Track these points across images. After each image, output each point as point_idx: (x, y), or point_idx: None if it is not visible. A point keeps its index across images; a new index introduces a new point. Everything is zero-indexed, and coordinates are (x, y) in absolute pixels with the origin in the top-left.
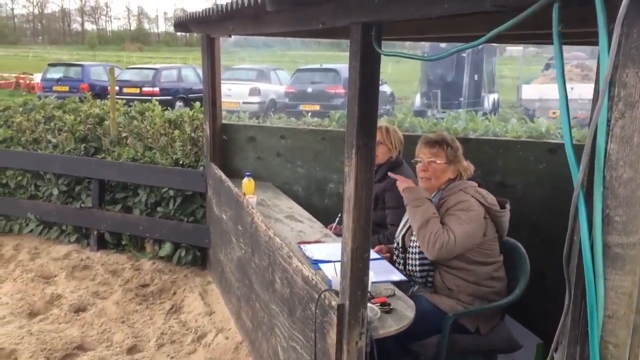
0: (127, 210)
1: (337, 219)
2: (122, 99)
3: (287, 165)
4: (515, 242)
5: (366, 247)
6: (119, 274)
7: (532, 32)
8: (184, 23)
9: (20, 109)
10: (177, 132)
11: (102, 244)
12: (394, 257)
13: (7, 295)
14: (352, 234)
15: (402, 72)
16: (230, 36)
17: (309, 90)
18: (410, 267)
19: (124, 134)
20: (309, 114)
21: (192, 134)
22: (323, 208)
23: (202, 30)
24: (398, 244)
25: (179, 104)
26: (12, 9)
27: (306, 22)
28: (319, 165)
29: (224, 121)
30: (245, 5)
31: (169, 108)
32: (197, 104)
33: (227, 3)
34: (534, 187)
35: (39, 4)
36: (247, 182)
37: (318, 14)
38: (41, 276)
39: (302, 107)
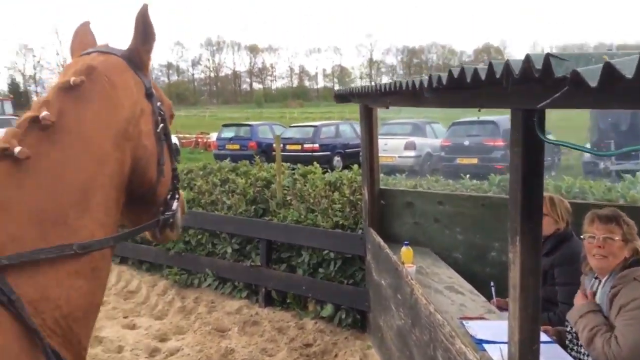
0: (291, 269)
1: (492, 288)
2: (285, 155)
3: (445, 232)
4: None
5: (535, 337)
6: (284, 331)
7: None
8: (344, 95)
9: (200, 172)
10: (336, 194)
11: (269, 301)
12: (567, 342)
13: (189, 347)
14: (519, 323)
15: (570, 119)
16: (387, 107)
17: (466, 143)
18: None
19: (288, 197)
20: (467, 175)
21: (351, 197)
22: (485, 277)
23: (361, 101)
24: (572, 328)
25: (337, 159)
26: (193, 74)
27: (463, 103)
28: (479, 232)
29: (381, 186)
30: (404, 88)
31: (328, 170)
32: (355, 166)
33: (386, 84)
34: None
35: (214, 68)
36: (406, 251)
37: (476, 98)
38: (217, 329)
39: (459, 161)
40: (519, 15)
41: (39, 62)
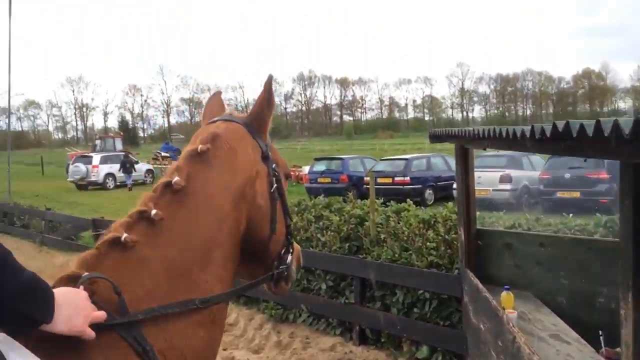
0: (385, 308)
1: (601, 337)
2: (376, 188)
3: (548, 275)
4: None
5: None
6: None
7: None
8: (439, 136)
9: (296, 209)
10: (431, 232)
11: (363, 339)
12: None
13: None
14: None
15: None
16: (485, 149)
17: (567, 175)
18: None
19: (382, 235)
20: (571, 214)
21: (446, 236)
22: (592, 325)
23: (457, 142)
24: None
25: (428, 192)
26: (285, 108)
27: (568, 153)
28: (585, 277)
29: (478, 226)
30: (504, 136)
31: (422, 207)
32: (450, 204)
33: (485, 131)
34: None
35: (306, 102)
36: (506, 297)
37: (582, 149)
38: None
39: (559, 195)
40: (618, 36)
41: (145, 100)
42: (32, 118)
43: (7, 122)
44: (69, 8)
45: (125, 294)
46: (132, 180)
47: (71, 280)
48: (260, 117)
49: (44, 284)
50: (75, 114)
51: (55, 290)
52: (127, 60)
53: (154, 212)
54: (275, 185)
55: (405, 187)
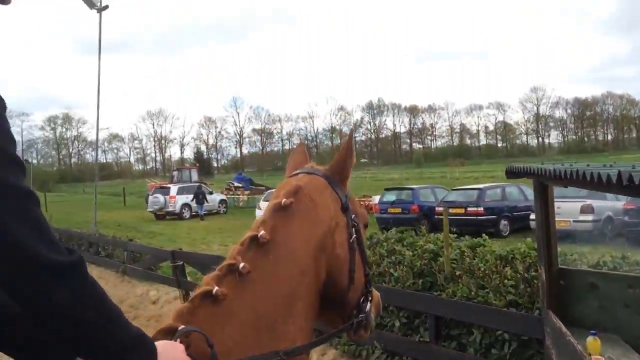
0: (461, 348)
1: None
2: (448, 219)
3: (637, 318)
4: None
5: None
6: None
7: None
8: (516, 172)
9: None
10: (508, 269)
11: None
12: None
13: None
14: None
15: None
16: (566, 186)
17: None
18: None
19: (457, 271)
20: None
21: (525, 274)
22: None
23: (536, 178)
24: None
25: (504, 222)
26: (355, 137)
27: None
28: None
29: (560, 265)
30: (588, 180)
31: (497, 239)
32: (529, 239)
33: (565, 170)
34: None
35: (375, 130)
36: (592, 342)
37: None
38: None
39: None
40: None
41: (219, 132)
42: (115, 150)
43: (92, 154)
44: (149, 46)
45: (216, 345)
46: (206, 211)
47: (169, 333)
48: (341, 169)
49: (148, 339)
50: (154, 146)
51: (156, 344)
52: (202, 93)
53: (241, 265)
54: (354, 235)
55: (478, 217)
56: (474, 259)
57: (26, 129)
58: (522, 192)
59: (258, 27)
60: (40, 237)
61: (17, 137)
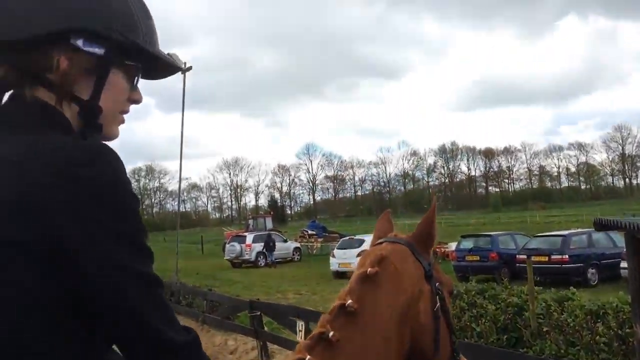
0: None
1: None
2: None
3: None
4: None
5: None
6: None
7: None
8: (606, 225)
9: None
10: (600, 325)
11: None
12: None
13: None
14: None
15: None
16: None
17: None
18: None
19: (544, 327)
20: None
21: (619, 331)
22: None
23: (628, 233)
24: None
25: (591, 271)
26: (428, 182)
27: None
28: None
29: None
30: None
31: (585, 289)
32: (621, 293)
33: None
34: None
35: (448, 175)
36: None
37: None
38: None
39: None
40: None
41: (293, 180)
42: (193, 200)
43: (173, 204)
44: (224, 100)
45: None
46: (280, 258)
47: None
48: (425, 237)
49: None
50: (230, 194)
51: None
52: (276, 142)
53: (331, 334)
54: (438, 303)
55: (563, 266)
56: (562, 314)
57: None
58: (610, 239)
59: (329, 79)
60: (164, 318)
61: None
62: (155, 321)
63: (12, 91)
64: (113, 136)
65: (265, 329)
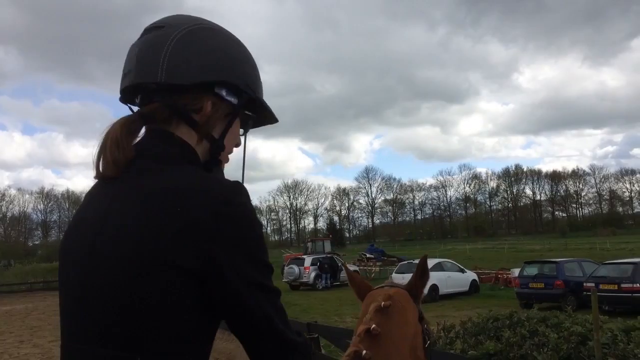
0: None
1: None
2: (598, 296)
3: None
4: None
5: None
6: None
7: None
8: None
9: (507, 322)
10: None
11: None
12: None
13: None
14: None
15: None
16: None
17: None
18: None
19: (609, 358)
20: None
21: None
22: None
23: None
24: None
25: None
26: (490, 206)
27: None
28: None
29: None
30: None
31: None
32: None
33: None
34: None
35: (512, 199)
36: None
37: None
38: None
39: None
40: None
41: (352, 203)
42: None
43: None
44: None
45: None
46: (340, 282)
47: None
48: (417, 286)
49: None
50: (289, 217)
51: None
52: (337, 166)
53: (364, 352)
54: (428, 341)
55: (634, 295)
56: (629, 344)
57: None
58: None
59: (393, 103)
60: (285, 323)
61: None
62: (280, 324)
63: (147, 126)
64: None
65: (323, 351)
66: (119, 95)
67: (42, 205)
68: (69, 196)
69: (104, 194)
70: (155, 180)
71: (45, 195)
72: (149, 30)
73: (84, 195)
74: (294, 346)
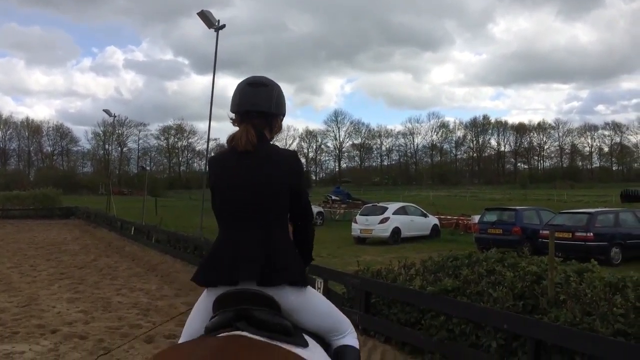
0: None
1: None
2: (555, 242)
3: None
4: None
5: None
6: None
7: None
8: (633, 196)
9: (466, 261)
10: (618, 297)
11: None
12: None
13: None
14: None
15: None
16: None
17: None
18: None
19: (561, 296)
20: None
21: (637, 303)
22: None
23: None
24: None
25: (615, 250)
26: (456, 155)
27: None
28: None
29: None
30: None
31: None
32: None
33: None
34: None
35: (477, 149)
36: None
37: None
38: None
39: None
40: None
41: (320, 146)
42: None
43: (200, 163)
44: (259, 63)
45: None
46: None
47: None
48: None
49: None
50: None
51: None
52: (306, 108)
53: None
54: None
55: (587, 243)
56: (581, 284)
57: (142, 137)
58: (638, 219)
59: (367, 47)
60: (310, 208)
61: (134, 145)
62: (309, 204)
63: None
64: None
65: None
66: (84, 23)
67: (0, 133)
68: (29, 124)
69: (246, 158)
70: (270, 151)
71: (4, 123)
72: (257, 85)
73: (43, 124)
74: (312, 213)
